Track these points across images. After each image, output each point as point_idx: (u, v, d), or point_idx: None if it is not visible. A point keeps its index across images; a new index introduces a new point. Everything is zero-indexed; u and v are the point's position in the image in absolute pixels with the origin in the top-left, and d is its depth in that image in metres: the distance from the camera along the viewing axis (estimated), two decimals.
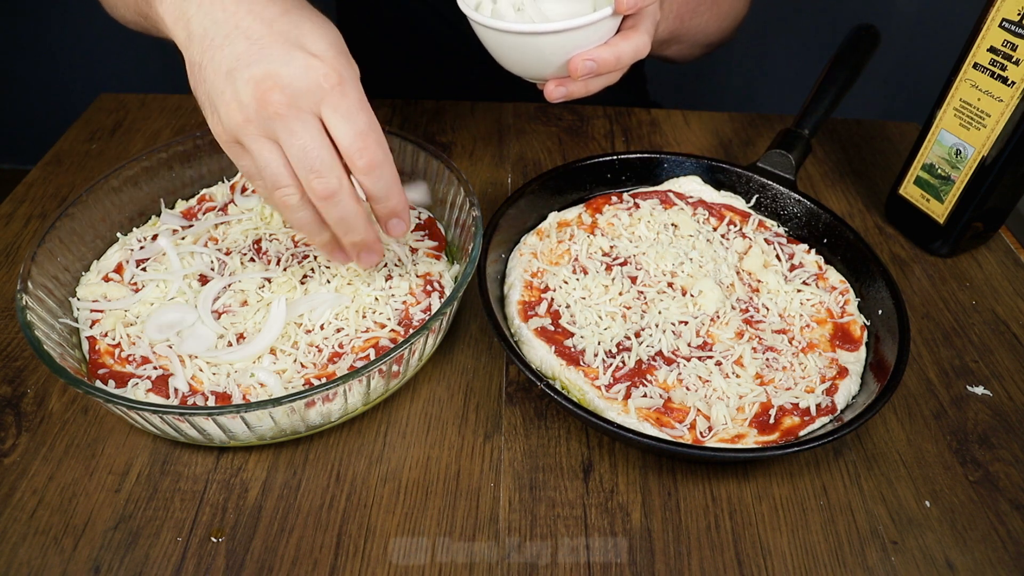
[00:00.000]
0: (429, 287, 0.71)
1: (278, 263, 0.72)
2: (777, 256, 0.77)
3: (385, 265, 0.72)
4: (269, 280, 0.70)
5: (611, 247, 0.77)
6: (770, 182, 0.82)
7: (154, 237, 0.75)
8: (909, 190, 0.85)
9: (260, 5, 0.55)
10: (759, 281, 0.75)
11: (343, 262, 0.64)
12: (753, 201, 0.83)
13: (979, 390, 0.70)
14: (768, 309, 0.72)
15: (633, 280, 0.73)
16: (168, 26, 0.59)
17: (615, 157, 0.84)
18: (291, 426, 0.60)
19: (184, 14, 0.57)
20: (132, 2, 0.69)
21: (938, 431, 0.67)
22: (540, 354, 0.66)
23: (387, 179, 0.58)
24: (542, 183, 0.80)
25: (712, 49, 1.07)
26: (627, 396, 0.63)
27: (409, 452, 0.63)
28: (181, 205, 0.80)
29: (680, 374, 0.65)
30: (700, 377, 0.65)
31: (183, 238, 0.75)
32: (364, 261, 0.63)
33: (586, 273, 0.74)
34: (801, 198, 0.81)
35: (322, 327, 0.66)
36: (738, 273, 0.76)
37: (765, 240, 0.79)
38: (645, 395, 0.63)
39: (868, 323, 0.71)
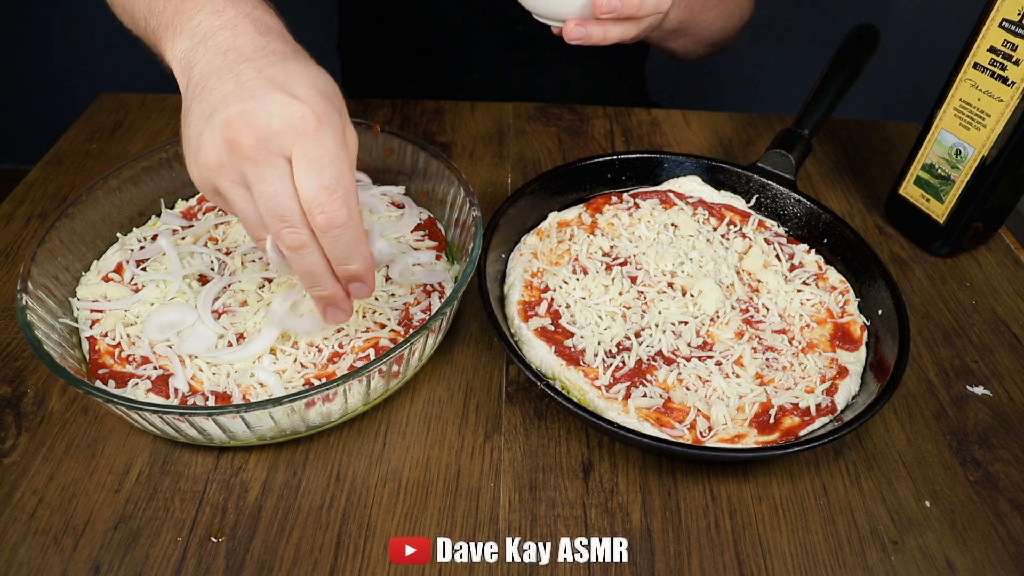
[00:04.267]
0: (429, 287, 0.71)
1: None
2: (777, 256, 0.77)
3: (386, 266, 0.72)
4: (269, 280, 0.70)
5: (611, 247, 0.77)
6: (770, 182, 0.82)
7: (154, 237, 0.75)
8: (909, 190, 0.85)
9: (260, 53, 0.54)
10: (759, 281, 0.75)
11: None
12: (753, 201, 0.84)
13: (979, 390, 0.70)
14: (768, 309, 0.72)
15: (633, 280, 0.73)
16: (176, 74, 0.58)
17: (615, 157, 0.84)
18: (291, 426, 0.60)
19: (189, 63, 0.56)
20: (140, 26, 0.66)
21: (938, 431, 0.67)
22: (540, 354, 0.66)
23: (348, 241, 0.53)
24: (542, 183, 0.80)
25: (715, 49, 1.07)
26: (627, 396, 0.63)
27: (409, 452, 0.63)
28: (181, 205, 0.80)
29: (680, 374, 0.65)
30: (700, 377, 0.65)
31: (183, 238, 0.75)
32: (329, 317, 0.59)
33: (586, 273, 0.73)
34: (801, 198, 0.81)
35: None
36: (738, 273, 0.76)
37: (765, 240, 0.79)
38: (645, 395, 0.63)
39: (868, 323, 0.71)
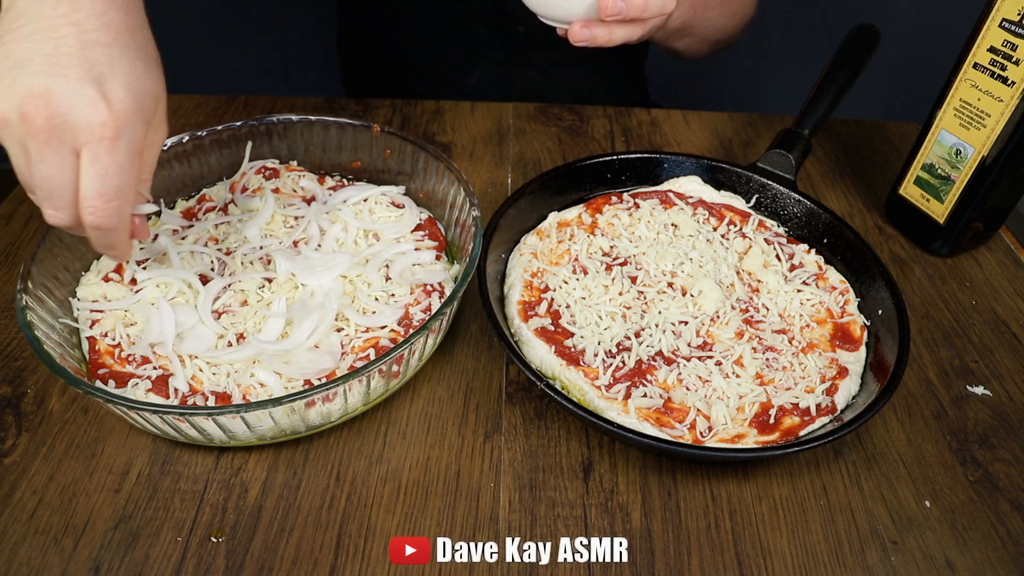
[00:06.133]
0: (429, 287, 0.71)
1: None
2: (777, 256, 0.77)
3: (387, 265, 0.72)
4: (269, 280, 0.70)
5: (611, 247, 0.77)
6: (770, 182, 0.82)
7: (154, 237, 0.75)
8: (909, 190, 0.85)
9: (93, 20, 0.51)
10: (759, 281, 0.75)
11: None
12: (753, 201, 0.83)
13: (979, 390, 0.70)
14: (768, 309, 0.72)
15: (633, 280, 0.73)
16: None
17: (615, 157, 0.84)
18: (291, 426, 0.60)
19: None
20: None
21: (938, 431, 0.67)
22: (540, 354, 0.66)
23: (112, 239, 0.56)
24: (542, 183, 0.80)
25: (719, 47, 1.07)
26: (627, 396, 0.63)
27: (409, 452, 0.63)
28: (181, 205, 0.80)
29: (680, 374, 0.65)
30: (700, 377, 0.65)
31: (183, 238, 0.75)
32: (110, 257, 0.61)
33: (586, 273, 0.73)
34: (801, 198, 0.81)
35: None
36: (738, 273, 0.76)
37: (765, 240, 0.79)
38: (645, 395, 0.63)
39: (868, 323, 0.71)
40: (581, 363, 0.65)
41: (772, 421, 0.62)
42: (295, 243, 0.74)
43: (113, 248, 0.58)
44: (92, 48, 0.50)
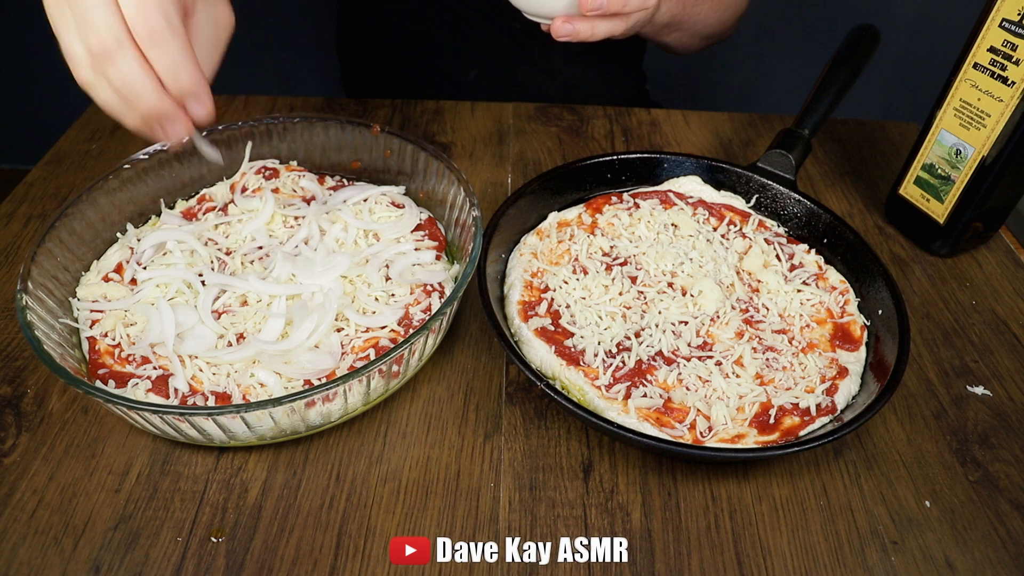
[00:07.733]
0: (429, 287, 0.71)
1: None
2: (777, 256, 0.77)
3: (387, 266, 0.72)
4: None
5: (611, 247, 0.77)
6: (770, 182, 0.82)
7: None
8: (909, 190, 0.85)
9: None
10: (759, 281, 0.75)
11: (166, 138, 0.61)
12: (753, 201, 0.84)
13: (979, 390, 0.70)
14: (768, 309, 0.72)
15: (633, 280, 0.73)
16: None
17: (615, 157, 0.84)
18: (291, 426, 0.60)
19: None
20: None
21: (938, 431, 0.67)
22: (540, 354, 0.66)
23: (173, 52, 0.55)
24: (542, 183, 0.80)
25: (712, 42, 1.07)
26: (627, 396, 0.63)
27: (409, 452, 0.63)
28: (181, 205, 0.80)
29: (680, 374, 0.65)
30: (700, 377, 0.65)
31: (182, 239, 0.75)
32: (169, 133, 0.60)
33: (586, 273, 0.73)
34: (801, 198, 0.81)
35: None
36: (738, 273, 0.76)
37: (765, 240, 0.79)
38: (645, 395, 0.63)
39: (868, 323, 0.71)
40: (581, 363, 0.65)
41: (772, 421, 0.62)
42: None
43: (181, 72, 0.56)
44: None
